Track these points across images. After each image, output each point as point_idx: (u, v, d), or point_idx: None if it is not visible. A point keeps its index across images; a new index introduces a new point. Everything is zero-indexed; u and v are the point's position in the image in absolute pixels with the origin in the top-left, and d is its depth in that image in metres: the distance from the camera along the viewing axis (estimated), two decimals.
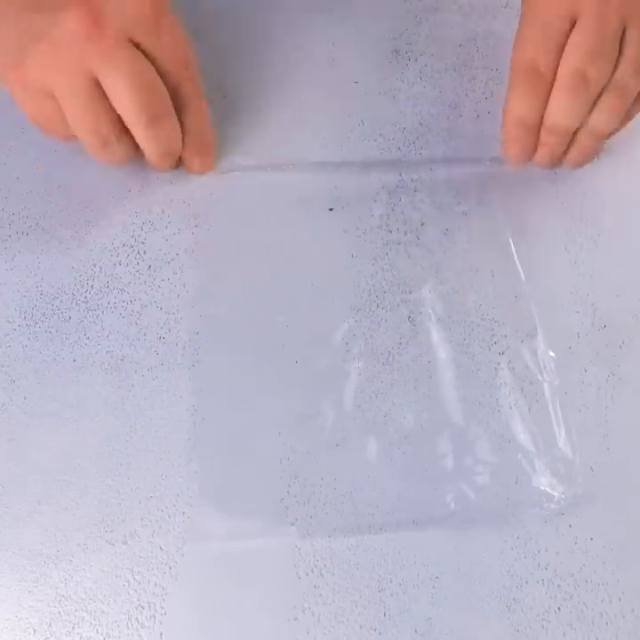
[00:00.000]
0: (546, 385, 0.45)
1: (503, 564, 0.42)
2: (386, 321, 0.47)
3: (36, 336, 0.46)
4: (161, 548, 0.42)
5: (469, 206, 0.48)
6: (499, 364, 0.46)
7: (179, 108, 0.46)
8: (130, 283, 0.47)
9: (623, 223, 0.50)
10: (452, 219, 0.49)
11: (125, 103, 0.43)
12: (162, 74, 0.44)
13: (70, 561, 0.42)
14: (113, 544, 0.43)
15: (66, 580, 0.42)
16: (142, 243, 0.48)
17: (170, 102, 0.45)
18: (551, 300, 0.47)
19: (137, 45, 0.43)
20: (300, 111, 0.52)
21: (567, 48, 0.45)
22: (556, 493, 0.43)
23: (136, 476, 0.44)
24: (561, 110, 0.46)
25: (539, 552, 0.43)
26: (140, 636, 0.41)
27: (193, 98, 0.46)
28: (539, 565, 0.42)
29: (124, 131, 0.45)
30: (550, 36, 0.45)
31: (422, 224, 0.49)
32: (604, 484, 0.44)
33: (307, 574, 0.42)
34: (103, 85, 0.43)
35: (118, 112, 0.43)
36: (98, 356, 0.46)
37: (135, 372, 0.46)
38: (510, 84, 0.47)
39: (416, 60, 0.53)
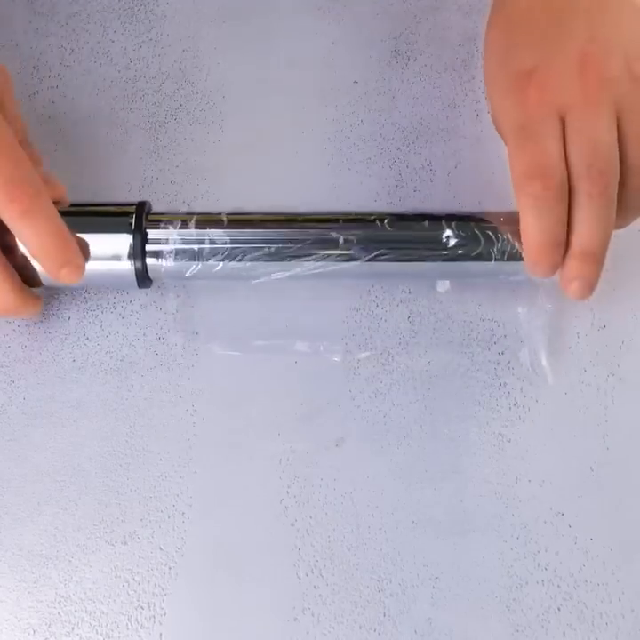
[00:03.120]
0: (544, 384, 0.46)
1: (503, 564, 0.42)
2: (386, 321, 0.47)
3: (35, 336, 0.46)
4: (161, 549, 0.42)
5: (469, 206, 0.48)
6: (498, 364, 0.46)
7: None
8: None
9: None
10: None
11: None
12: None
13: (70, 561, 0.42)
14: (113, 544, 0.43)
15: (65, 580, 0.42)
16: None
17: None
18: (551, 301, 0.47)
19: None
20: (300, 111, 0.52)
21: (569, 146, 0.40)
22: None
23: (136, 476, 0.44)
24: (593, 227, 0.40)
25: (539, 552, 0.43)
26: (139, 636, 0.41)
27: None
28: (539, 565, 0.42)
29: None
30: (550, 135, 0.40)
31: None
32: (604, 484, 0.44)
33: (307, 574, 0.42)
34: None
35: None
36: (97, 356, 0.46)
37: (135, 372, 0.46)
38: (519, 200, 0.40)
39: (416, 59, 0.53)
